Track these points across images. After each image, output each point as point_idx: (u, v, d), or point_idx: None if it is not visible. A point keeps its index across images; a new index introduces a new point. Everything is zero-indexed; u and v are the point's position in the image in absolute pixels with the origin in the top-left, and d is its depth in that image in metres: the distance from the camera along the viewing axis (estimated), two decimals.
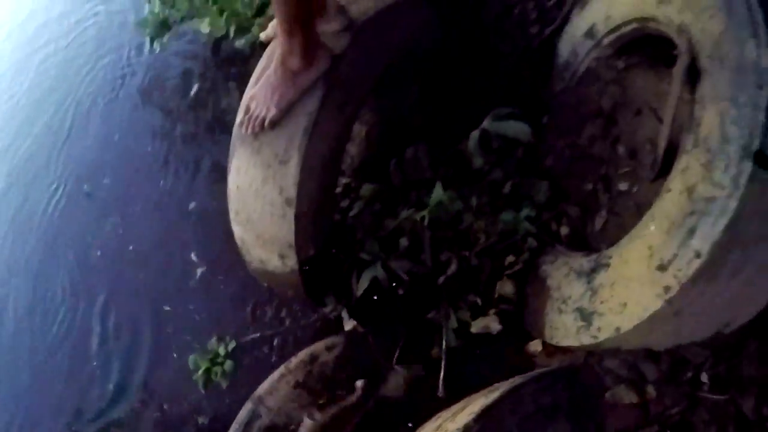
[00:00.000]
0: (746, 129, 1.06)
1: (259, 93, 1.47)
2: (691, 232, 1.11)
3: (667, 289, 1.14)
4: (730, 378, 1.31)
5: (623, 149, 1.50)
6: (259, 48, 2.09)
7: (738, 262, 1.09)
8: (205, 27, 2.42)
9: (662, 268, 1.15)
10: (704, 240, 1.09)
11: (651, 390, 1.37)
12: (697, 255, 1.10)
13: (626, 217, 1.45)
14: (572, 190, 1.59)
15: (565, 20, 1.71)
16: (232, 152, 1.58)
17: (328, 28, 1.45)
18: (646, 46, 1.47)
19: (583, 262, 1.40)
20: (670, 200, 1.18)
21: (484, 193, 1.63)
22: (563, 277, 1.44)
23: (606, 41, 1.55)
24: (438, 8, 1.79)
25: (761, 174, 1.05)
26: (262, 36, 1.62)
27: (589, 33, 1.59)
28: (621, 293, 1.25)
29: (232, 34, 2.34)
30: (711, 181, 1.10)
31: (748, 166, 1.05)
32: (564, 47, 1.69)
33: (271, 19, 1.65)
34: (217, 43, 2.69)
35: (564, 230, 1.56)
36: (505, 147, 1.65)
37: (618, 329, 1.23)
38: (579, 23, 1.64)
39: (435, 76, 1.89)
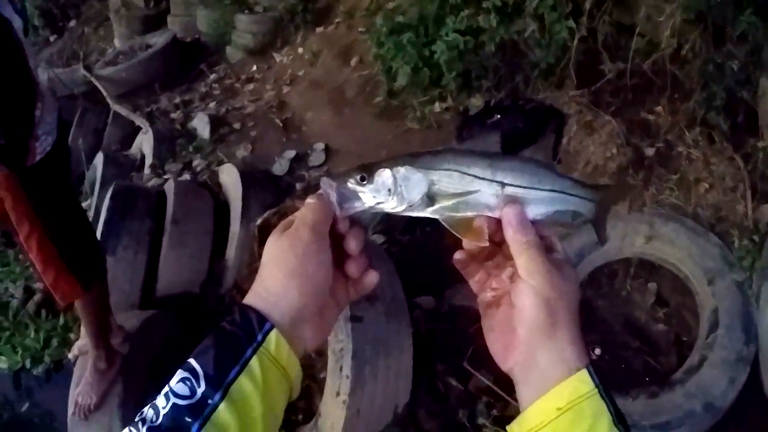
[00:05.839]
0: None
1: (82, 389, 2.37)
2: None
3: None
4: None
5: None
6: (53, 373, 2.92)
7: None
8: (3, 363, 3.06)
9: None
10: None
11: None
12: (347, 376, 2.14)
13: None
14: None
15: None
16: None
17: (116, 340, 2.42)
18: None
19: None
20: None
21: None
22: None
23: None
24: None
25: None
26: (71, 355, 2.53)
27: None
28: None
29: (28, 365, 3.04)
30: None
31: None
32: None
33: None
34: (17, 374, 3.15)
35: None
36: None
37: None
38: None
39: None
